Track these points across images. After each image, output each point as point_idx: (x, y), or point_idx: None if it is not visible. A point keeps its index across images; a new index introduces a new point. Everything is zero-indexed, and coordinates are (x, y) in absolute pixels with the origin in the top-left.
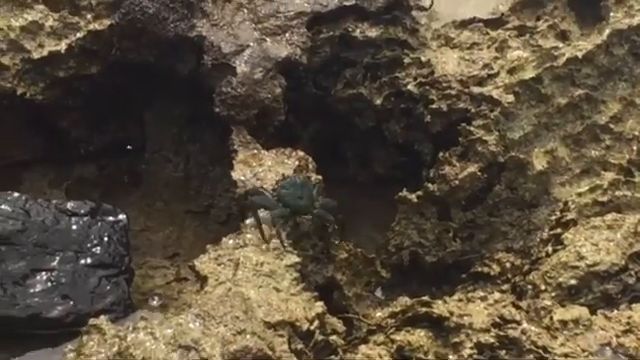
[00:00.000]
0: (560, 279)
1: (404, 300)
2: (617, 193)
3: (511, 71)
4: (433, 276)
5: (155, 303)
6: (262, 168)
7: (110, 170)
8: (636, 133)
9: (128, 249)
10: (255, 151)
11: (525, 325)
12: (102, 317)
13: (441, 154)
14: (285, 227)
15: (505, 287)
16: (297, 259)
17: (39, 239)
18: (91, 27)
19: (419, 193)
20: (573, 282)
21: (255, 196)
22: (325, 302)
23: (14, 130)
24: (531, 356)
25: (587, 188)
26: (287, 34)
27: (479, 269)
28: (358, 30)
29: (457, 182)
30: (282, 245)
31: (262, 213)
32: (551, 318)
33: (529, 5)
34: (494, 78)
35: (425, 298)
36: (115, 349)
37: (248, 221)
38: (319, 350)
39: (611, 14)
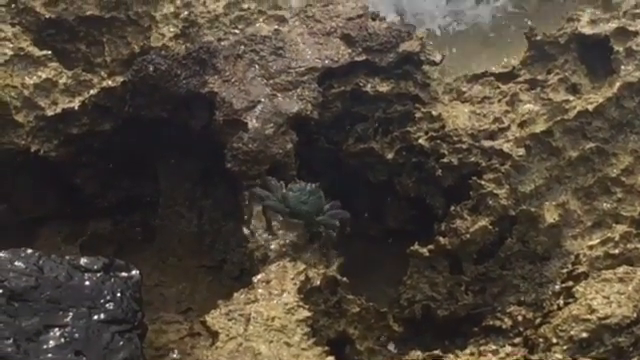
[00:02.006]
0: (572, 332)
1: (416, 354)
2: (629, 246)
3: (522, 124)
4: (445, 329)
5: (176, 356)
6: (274, 223)
7: (124, 226)
8: None
9: (141, 305)
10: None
11: None
12: None
13: (452, 208)
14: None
15: (517, 340)
16: (308, 313)
17: (52, 295)
18: (104, 84)
19: (431, 247)
20: (584, 335)
21: (263, 191)
22: (337, 357)
23: (28, 187)
24: None
25: (598, 241)
26: (298, 89)
27: (491, 322)
28: (369, 85)
29: (469, 235)
30: (269, 229)
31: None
32: None
33: (540, 59)
34: (505, 132)
35: (437, 352)
36: None
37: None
38: None
39: (622, 67)
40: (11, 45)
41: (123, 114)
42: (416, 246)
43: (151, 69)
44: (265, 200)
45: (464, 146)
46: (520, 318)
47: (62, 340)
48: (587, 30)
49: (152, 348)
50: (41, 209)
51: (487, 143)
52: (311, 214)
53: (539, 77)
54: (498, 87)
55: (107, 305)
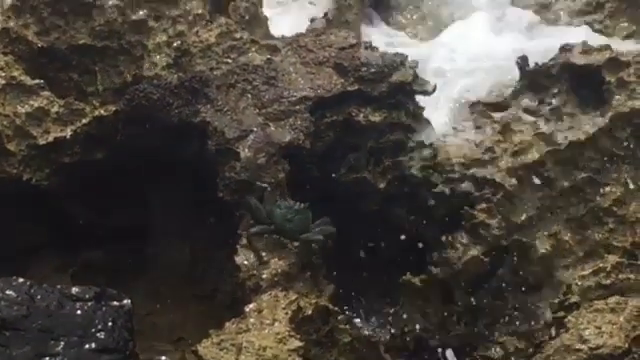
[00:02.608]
0: None
1: None
2: (620, 276)
3: (514, 154)
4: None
5: None
6: (266, 253)
7: (115, 255)
8: (639, 216)
9: (132, 334)
10: (259, 235)
11: None
12: None
13: (445, 237)
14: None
15: None
16: (300, 343)
17: (44, 324)
18: (97, 113)
19: (423, 277)
20: None
21: (252, 201)
22: None
23: (20, 216)
24: None
25: (590, 271)
26: (290, 119)
27: (483, 352)
28: (361, 114)
29: (461, 265)
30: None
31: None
32: None
33: (532, 89)
34: (497, 161)
35: None
36: None
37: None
38: None
39: (613, 97)
40: (3, 74)
41: (115, 143)
42: (408, 276)
43: (143, 98)
44: (250, 228)
45: (456, 176)
46: (512, 348)
47: None
48: (579, 60)
49: None
50: (32, 238)
51: (479, 173)
52: (295, 232)
53: (531, 107)
54: (490, 117)
55: (98, 334)
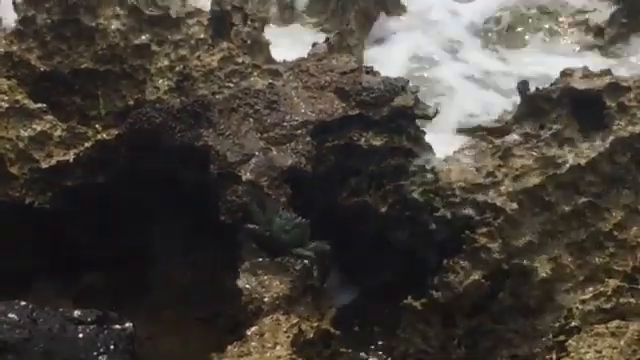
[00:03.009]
0: None
1: None
2: (621, 300)
3: (515, 179)
4: None
5: None
6: (267, 276)
7: (117, 278)
8: None
9: (134, 357)
10: (260, 259)
11: None
12: None
13: (446, 261)
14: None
15: None
16: None
17: (46, 347)
18: (99, 137)
19: (424, 300)
20: None
21: (252, 206)
22: None
23: (22, 239)
24: None
25: (591, 295)
26: (292, 143)
27: None
28: (363, 139)
29: (462, 289)
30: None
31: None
32: None
33: (533, 113)
34: (498, 186)
35: None
36: None
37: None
38: None
39: (614, 122)
40: (6, 98)
41: (118, 167)
42: (409, 299)
43: (146, 122)
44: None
45: (457, 200)
46: None
47: None
48: (580, 85)
49: None
50: (34, 261)
51: (480, 197)
52: (289, 244)
53: (532, 132)
54: (491, 141)
55: (100, 357)
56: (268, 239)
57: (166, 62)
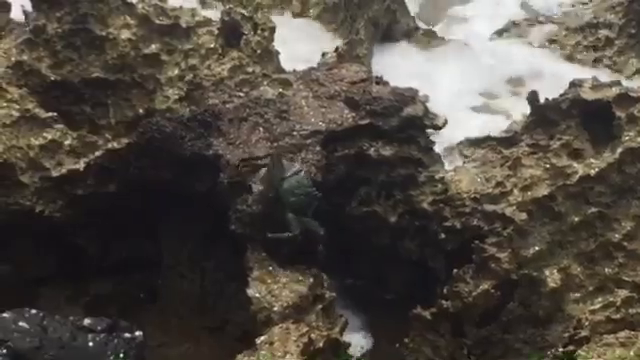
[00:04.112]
0: None
1: None
2: (630, 310)
3: (524, 189)
4: None
5: None
6: (277, 285)
7: (127, 286)
8: None
9: None
10: (270, 268)
11: None
12: None
13: (455, 271)
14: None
15: None
16: None
17: (56, 356)
18: (110, 146)
19: (433, 310)
20: None
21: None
22: None
23: (32, 247)
24: None
25: (600, 305)
26: (302, 152)
27: None
28: (373, 148)
29: (471, 299)
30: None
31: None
32: None
33: (542, 124)
34: (507, 196)
35: None
36: None
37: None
38: None
39: (623, 133)
40: (17, 107)
41: (127, 176)
42: (419, 309)
43: (156, 131)
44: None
45: (467, 210)
46: None
47: None
48: (589, 96)
49: None
50: (44, 269)
51: (490, 207)
52: (287, 208)
53: (541, 142)
54: (501, 152)
55: None
56: (273, 196)
57: (176, 71)
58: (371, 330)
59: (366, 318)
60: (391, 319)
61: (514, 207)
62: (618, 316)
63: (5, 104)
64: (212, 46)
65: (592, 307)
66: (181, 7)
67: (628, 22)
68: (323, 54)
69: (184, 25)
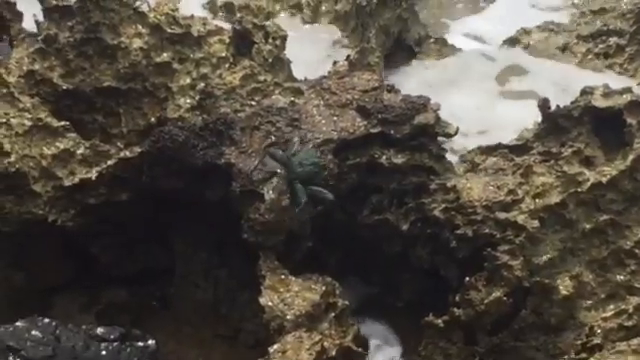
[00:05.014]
0: None
1: None
2: None
3: (536, 196)
4: None
5: None
6: (289, 294)
7: (140, 295)
8: None
9: None
10: (283, 277)
11: None
12: None
13: (467, 279)
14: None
15: None
16: None
17: None
18: (122, 155)
19: (445, 318)
20: None
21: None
22: None
23: (45, 256)
24: None
25: (612, 313)
26: None
27: None
28: (384, 157)
29: (483, 307)
30: None
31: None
32: None
33: (554, 131)
34: (519, 204)
35: None
36: None
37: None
38: None
39: (635, 140)
40: (29, 116)
41: (140, 184)
42: (431, 317)
43: (168, 140)
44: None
45: (479, 217)
46: None
47: None
48: (600, 103)
49: None
50: (57, 278)
51: (501, 215)
52: (297, 178)
53: (553, 150)
54: (512, 159)
55: None
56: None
57: (188, 80)
58: (383, 338)
59: (378, 326)
60: (403, 327)
61: (526, 215)
62: (630, 323)
63: (18, 113)
64: (223, 55)
65: (604, 314)
66: (192, 16)
67: (639, 29)
68: (334, 62)
69: (195, 34)
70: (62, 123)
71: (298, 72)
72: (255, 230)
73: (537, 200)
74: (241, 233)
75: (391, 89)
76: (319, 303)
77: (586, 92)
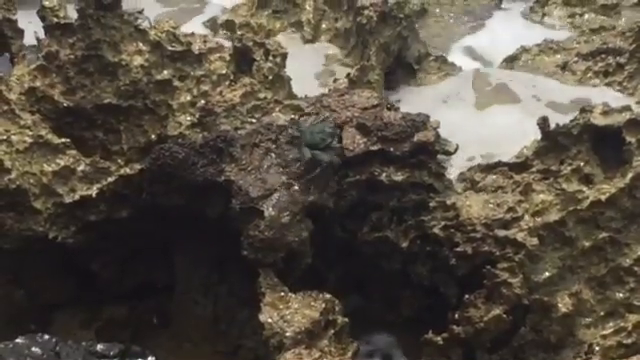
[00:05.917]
0: None
1: None
2: None
3: (535, 214)
4: None
5: None
6: (289, 311)
7: (139, 311)
8: None
9: None
10: (282, 294)
11: None
12: None
13: (466, 297)
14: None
15: None
16: None
17: None
18: (122, 172)
19: (445, 335)
20: None
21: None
22: None
23: (45, 272)
24: None
25: (612, 330)
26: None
27: None
28: (384, 174)
29: (482, 324)
30: None
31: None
32: None
33: (553, 149)
34: (519, 221)
35: None
36: None
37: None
38: None
39: (634, 158)
40: (30, 133)
41: (140, 201)
42: (430, 334)
43: (169, 157)
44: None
45: (478, 235)
46: None
47: None
48: (600, 121)
49: None
50: (57, 295)
51: (501, 232)
52: (306, 144)
53: (552, 167)
54: (511, 177)
55: None
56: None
57: (188, 97)
58: (382, 355)
59: (377, 343)
60: (402, 344)
61: (525, 232)
62: (629, 341)
63: (18, 130)
64: (224, 72)
65: (603, 332)
66: (193, 33)
67: (638, 48)
68: (334, 80)
69: (196, 51)
70: (63, 140)
71: (298, 89)
72: (255, 247)
73: (536, 218)
74: (241, 250)
75: (391, 107)
76: (319, 320)
77: (585, 110)
